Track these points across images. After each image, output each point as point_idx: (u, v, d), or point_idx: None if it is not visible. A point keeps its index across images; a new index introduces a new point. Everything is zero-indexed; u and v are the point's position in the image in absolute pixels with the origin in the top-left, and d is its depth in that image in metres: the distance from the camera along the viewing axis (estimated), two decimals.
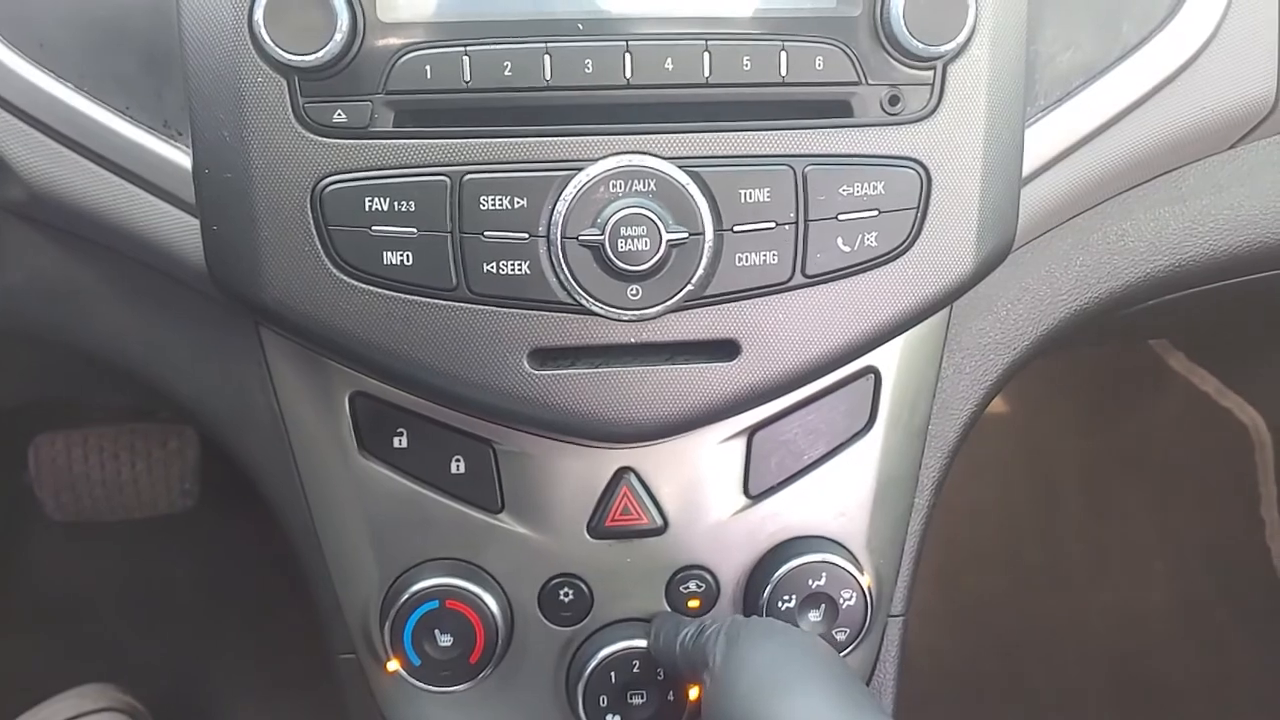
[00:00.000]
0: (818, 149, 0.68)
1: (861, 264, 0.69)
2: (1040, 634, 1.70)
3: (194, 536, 1.64)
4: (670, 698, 0.80)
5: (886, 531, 0.83)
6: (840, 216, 0.68)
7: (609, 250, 0.66)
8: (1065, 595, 1.72)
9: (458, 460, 0.77)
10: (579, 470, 0.77)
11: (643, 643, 0.78)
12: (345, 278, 0.67)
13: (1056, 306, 0.85)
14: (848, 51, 0.67)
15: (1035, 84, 0.74)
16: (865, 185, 0.68)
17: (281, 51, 0.63)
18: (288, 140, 0.65)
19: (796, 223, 0.68)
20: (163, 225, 0.72)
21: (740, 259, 0.68)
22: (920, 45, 0.66)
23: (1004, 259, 0.74)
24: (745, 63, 0.66)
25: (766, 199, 0.67)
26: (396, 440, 0.77)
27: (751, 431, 0.78)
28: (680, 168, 0.66)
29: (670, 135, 0.67)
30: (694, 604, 0.80)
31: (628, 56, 0.65)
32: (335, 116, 0.65)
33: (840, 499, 0.81)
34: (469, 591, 0.77)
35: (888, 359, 0.79)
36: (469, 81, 0.65)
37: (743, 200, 0.67)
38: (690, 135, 0.67)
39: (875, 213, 0.68)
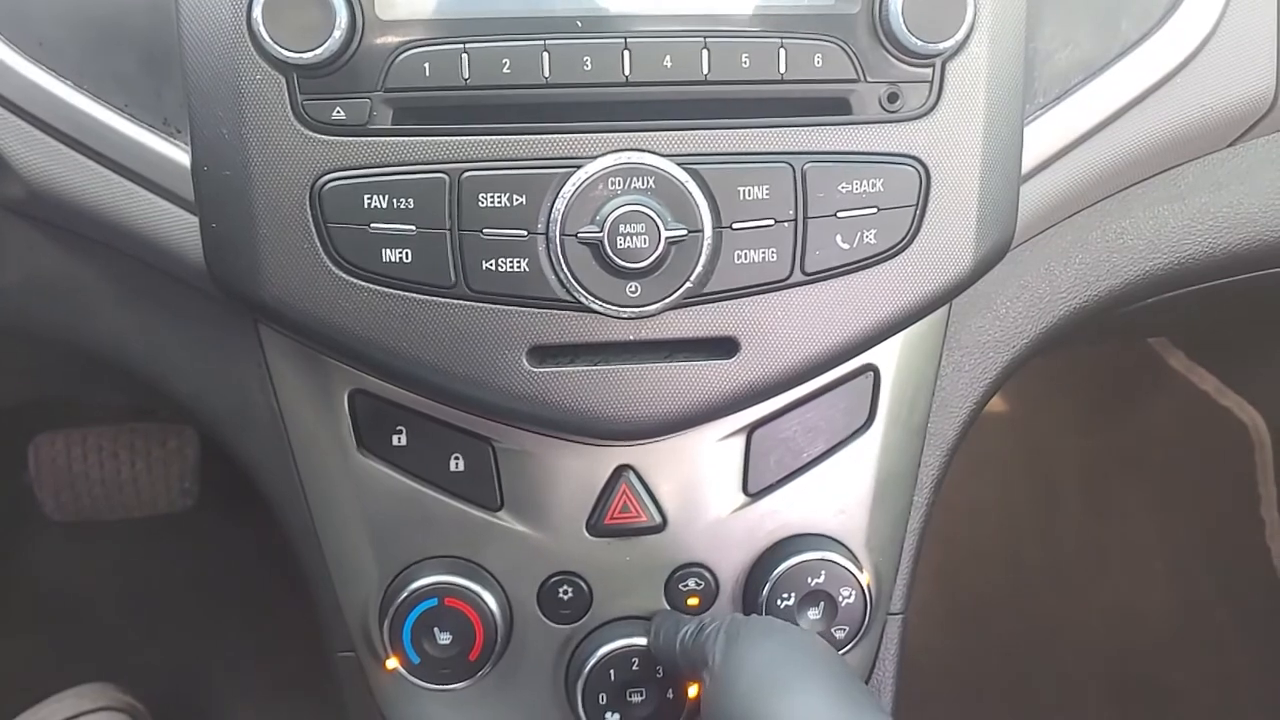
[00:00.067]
0: (817, 146, 0.68)
1: (860, 261, 0.69)
2: (1040, 633, 1.70)
3: (194, 536, 1.64)
4: (669, 696, 0.80)
5: (886, 529, 0.83)
6: (839, 214, 0.68)
7: (608, 247, 0.66)
8: (1065, 595, 1.72)
9: (457, 458, 0.77)
10: (578, 468, 0.77)
11: (642, 641, 0.78)
12: (344, 275, 0.67)
13: (1056, 304, 0.85)
14: (846, 49, 0.67)
15: (1034, 81, 0.74)
16: (864, 182, 0.68)
17: (280, 49, 0.63)
18: (286, 138, 0.65)
19: (795, 220, 0.68)
20: (162, 223, 0.72)
21: (739, 256, 0.68)
22: (919, 43, 0.66)
23: (1003, 256, 0.74)
24: (744, 60, 0.66)
25: (765, 196, 0.67)
26: (396, 438, 0.77)
27: (751, 429, 0.78)
28: (679, 165, 0.66)
29: (669, 132, 0.67)
30: (693, 602, 0.80)
31: (626, 54, 0.65)
32: (334, 114, 0.65)
33: (839, 497, 0.81)
34: (468, 589, 0.77)
35: (887, 356, 0.79)
36: (468, 79, 0.65)
37: (742, 198, 0.67)
38: (689, 132, 0.67)
39: (874, 210, 0.68)
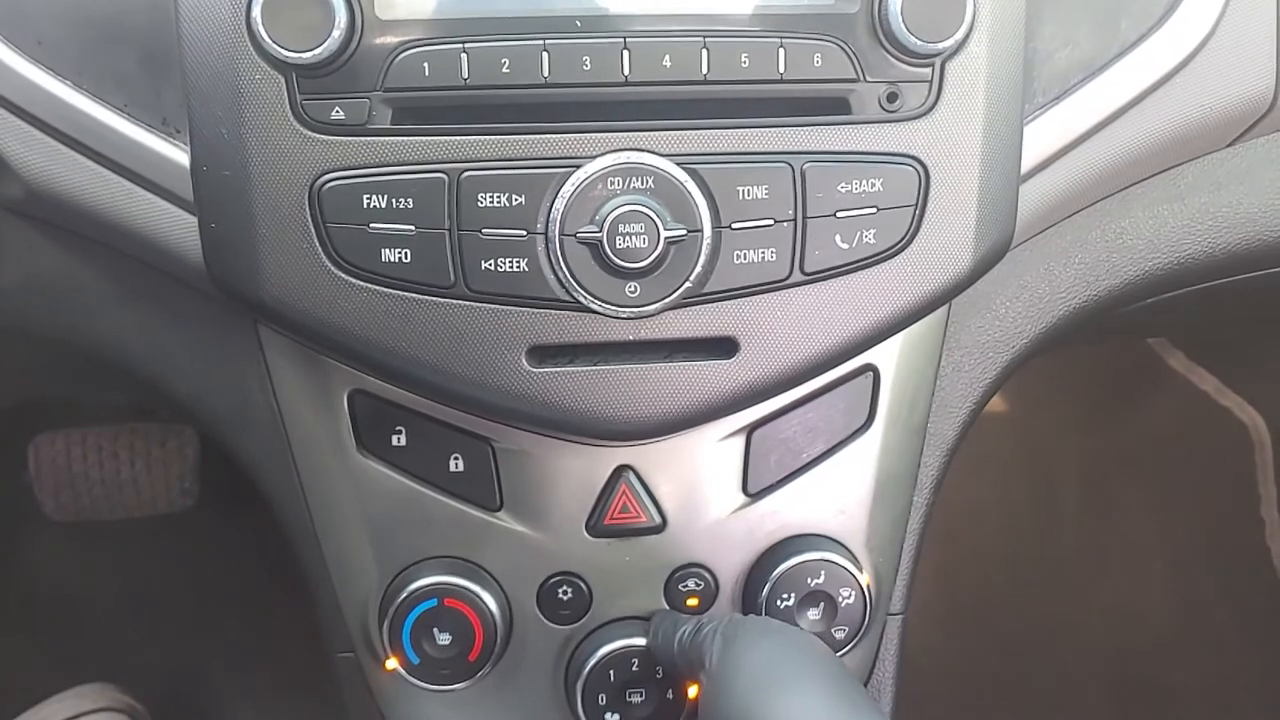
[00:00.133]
0: (816, 146, 0.68)
1: (860, 261, 0.69)
2: (1040, 633, 1.70)
3: (194, 536, 1.64)
4: (669, 696, 0.80)
5: (885, 530, 0.83)
6: (839, 214, 0.68)
7: (607, 247, 0.66)
8: (1065, 594, 1.72)
9: (456, 458, 0.77)
10: (578, 468, 0.77)
11: (642, 641, 0.78)
12: (343, 275, 0.67)
13: (1055, 304, 0.85)
14: (846, 49, 0.67)
15: (1033, 81, 0.74)
16: (863, 182, 0.68)
17: (279, 48, 0.63)
18: (286, 137, 0.65)
19: (795, 220, 0.68)
20: (161, 223, 0.72)
21: (739, 256, 0.68)
22: (918, 42, 0.66)
23: (1002, 256, 0.74)
24: (743, 60, 0.66)
25: (765, 196, 0.67)
26: (395, 438, 0.77)
27: (750, 429, 0.78)
28: (678, 165, 0.66)
29: (668, 132, 0.67)
30: (693, 602, 0.80)
31: (626, 54, 0.65)
32: (333, 114, 0.65)
33: (839, 497, 0.80)
34: (468, 590, 0.77)
35: (886, 357, 0.79)
36: (467, 79, 0.65)
37: (741, 197, 0.67)
38: (688, 132, 0.67)
39: (873, 210, 0.68)
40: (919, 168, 0.69)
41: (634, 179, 0.66)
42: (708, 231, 0.67)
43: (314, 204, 0.66)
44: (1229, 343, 1.59)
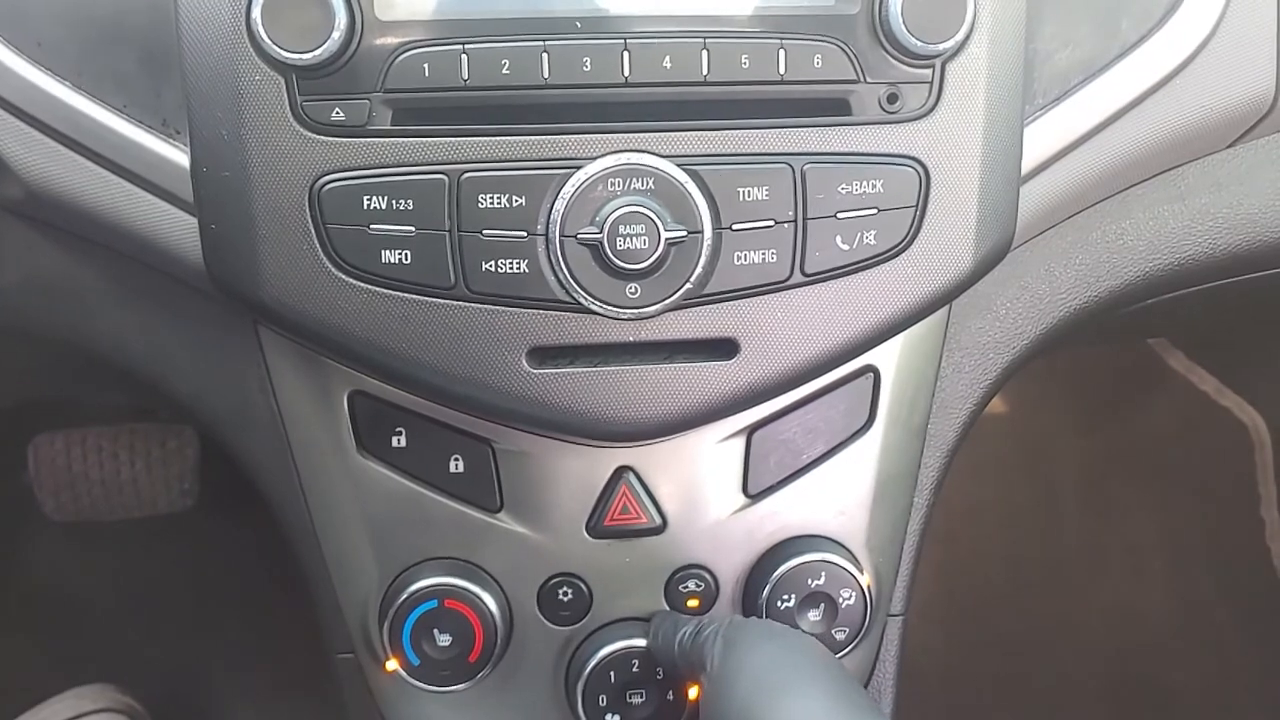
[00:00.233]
0: (816, 147, 0.68)
1: (860, 262, 0.69)
2: (1039, 633, 1.70)
3: (194, 536, 1.64)
4: (670, 697, 0.80)
5: (886, 530, 0.83)
6: (839, 215, 0.68)
7: (607, 248, 0.65)
8: (1064, 594, 1.72)
9: (456, 459, 0.77)
10: (578, 469, 0.77)
11: (642, 642, 0.78)
12: (343, 276, 0.67)
13: (1056, 305, 0.85)
14: (846, 50, 0.67)
15: (1034, 82, 0.74)
16: (864, 183, 0.68)
17: (279, 49, 0.63)
18: (286, 138, 0.65)
19: (795, 221, 0.68)
20: (161, 224, 0.72)
21: (739, 257, 0.68)
22: (919, 43, 0.66)
23: (1003, 257, 0.74)
24: (744, 61, 0.66)
25: (765, 197, 0.67)
26: (395, 439, 0.77)
27: (750, 430, 0.78)
28: (679, 166, 0.66)
29: (669, 133, 0.67)
30: (693, 603, 0.80)
31: (626, 55, 0.65)
32: (333, 115, 0.65)
33: (839, 498, 0.80)
34: (468, 591, 0.77)
35: (887, 358, 0.79)
36: (467, 80, 0.65)
37: (741, 199, 0.67)
38: (689, 133, 0.67)
39: (874, 211, 0.68)
40: (919, 169, 0.69)
41: (634, 180, 0.66)
42: (708, 233, 0.67)
43: (314, 205, 0.66)
44: (1229, 343, 1.59)
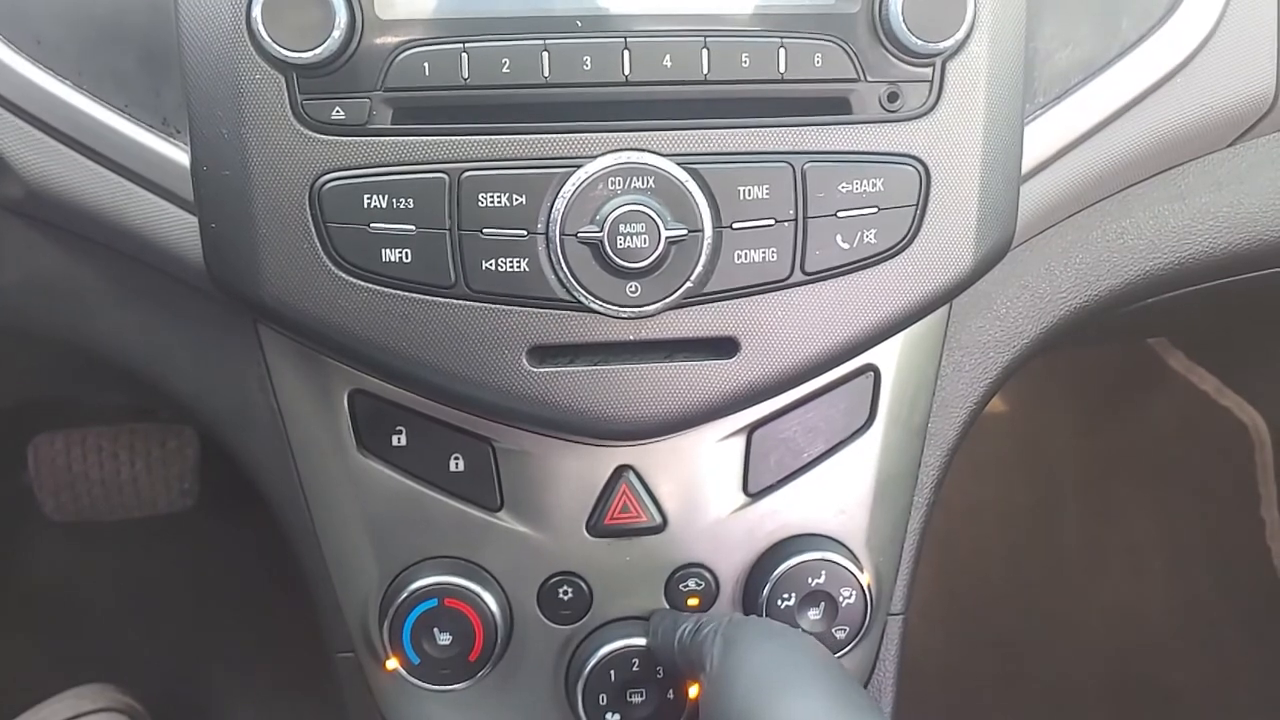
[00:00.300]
0: (817, 146, 0.68)
1: (861, 261, 0.69)
2: (1039, 633, 1.70)
3: (194, 536, 1.64)
4: (670, 696, 0.80)
5: (886, 530, 0.83)
6: (839, 213, 0.68)
7: (608, 247, 0.65)
8: (1065, 594, 1.72)
9: (457, 458, 0.77)
10: (578, 468, 0.77)
11: (642, 641, 0.78)
12: (344, 275, 0.67)
13: (1056, 304, 0.85)
14: (846, 48, 0.67)
15: (1034, 81, 0.74)
16: (864, 182, 0.68)
17: (279, 48, 0.63)
18: (286, 137, 0.65)
19: (796, 220, 0.68)
20: (161, 223, 0.72)
21: (739, 256, 0.68)
22: (919, 42, 0.66)
23: (1003, 256, 0.74)
24: (744, 60, 0.66)
25: (765, 196, 0.67)
26: (395, 438, 0.77)
27: (751, 429, 0.78)
28: (679, 165, 0.66)
29: (669, 132, 0.67)
30: (693, 602, 0.80)
31: (626, 53, 0.65)
32: (334, 114, 0.65)
33: (840, 497, 0.80)
34: (468, 590, 0.77)
35: (887, 356, 0.79)
36: (467, 78, 0.65)
37: (742, 197, 0.67)
38: (689, 132, 0.67)
39: (874, 210, 0.68)
40: (920, 168, 0.69)
41: (635, 179, 0.66)
42: (708, 231, 0.67)
43: (314, 204, 0.66)
44: (1229, 343, 1.59)
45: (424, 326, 0.68)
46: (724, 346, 0.70)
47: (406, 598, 0.77)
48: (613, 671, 0.79)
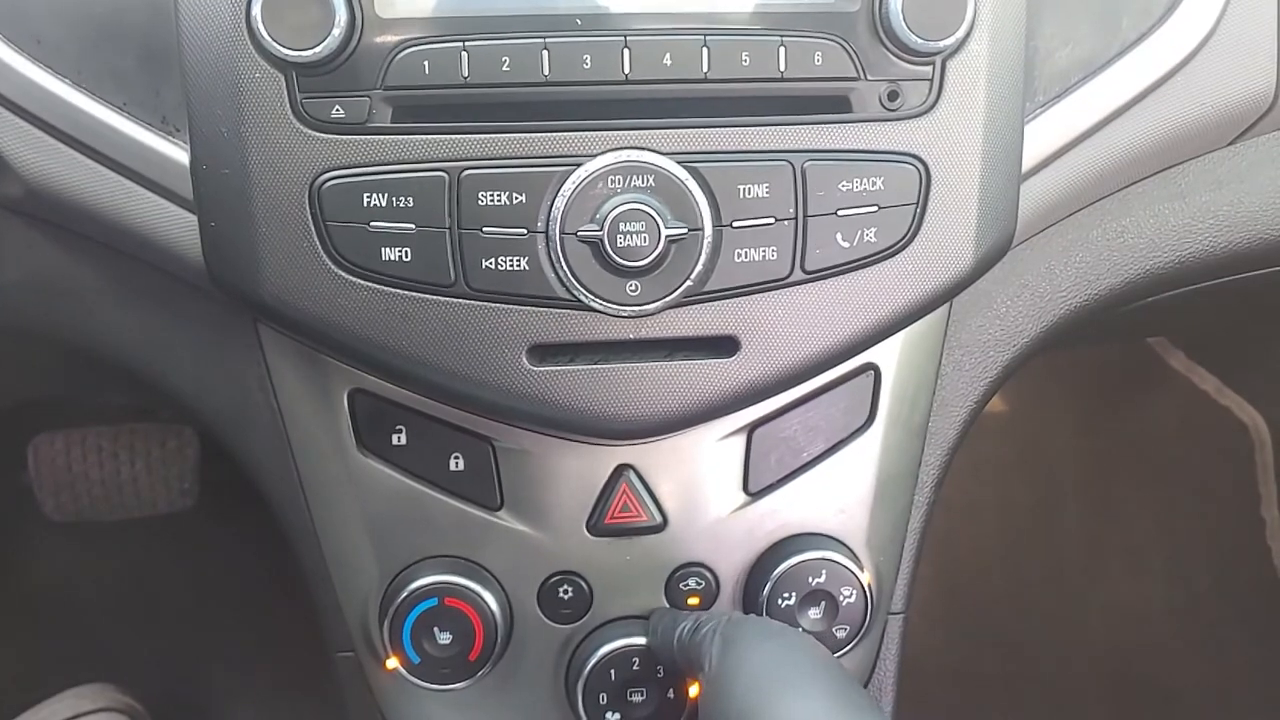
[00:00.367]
0: (817, 144, 0.68)
1: (861, 260, 0.69)
2: (1039, 632, 1.70)
3: (194, 536, 1.64)
4: (670, 695, 0.80)
5: (886, 529, 0.83)
6: (840, 212, 0.68)
7: (608, 246, 0.65)
8: (1064, 594, 1.72)
9: (457, 457, 0.77)
10: (578, 467, 0.77)
11: (642, 640, 0.78)
12: (343, 274, 0.67)
13: (1056, 303, 0.85)
14: (846, 47, 0.67)
15: (1034, 80, 0.74)
16: (864, 181, 0.68)
17: (279, 47, 0.63)
18: (286, 136, 0.65)
19: (796, 218, 0.68)
20: (161, 222, 0.72)
21: (739, 255, 0.67)
22: (919, 41, 0.66)
23: (1003, 255, 0.74)
24: (744, 58, 0.66)
25: (765, 194, 0.67)
26: (395, 437, 0.77)
27: (751, 428, 0.78)
28: (679, 163, 0.66)
29: (669, 130, 0.67)
30: (693, 601, 0.80)
31: (626, 52, 0.65)
32: (333, 112, 0.65)
33: (840, 496, 0.80)
34: (468, 589, 0.77)
35: (887, 355, 0.79)
36: (467, 77, 0.65)
37: (742, 196, 0.67)
38: (689, 130, 0.67)
39: (874, 208, 0.68)
40: (920, 166, 0.69)
41: (634, 177, 0.66)
42: (708, 230, 0.67)
43: (314, 202, 0.66)
44: (1229, 342, 1.59)
45: (424, 325, 0.68)
46: (724, 345, 0.70)
47: (406, 597, 0.76)
48: (613, 671, 0.79)
